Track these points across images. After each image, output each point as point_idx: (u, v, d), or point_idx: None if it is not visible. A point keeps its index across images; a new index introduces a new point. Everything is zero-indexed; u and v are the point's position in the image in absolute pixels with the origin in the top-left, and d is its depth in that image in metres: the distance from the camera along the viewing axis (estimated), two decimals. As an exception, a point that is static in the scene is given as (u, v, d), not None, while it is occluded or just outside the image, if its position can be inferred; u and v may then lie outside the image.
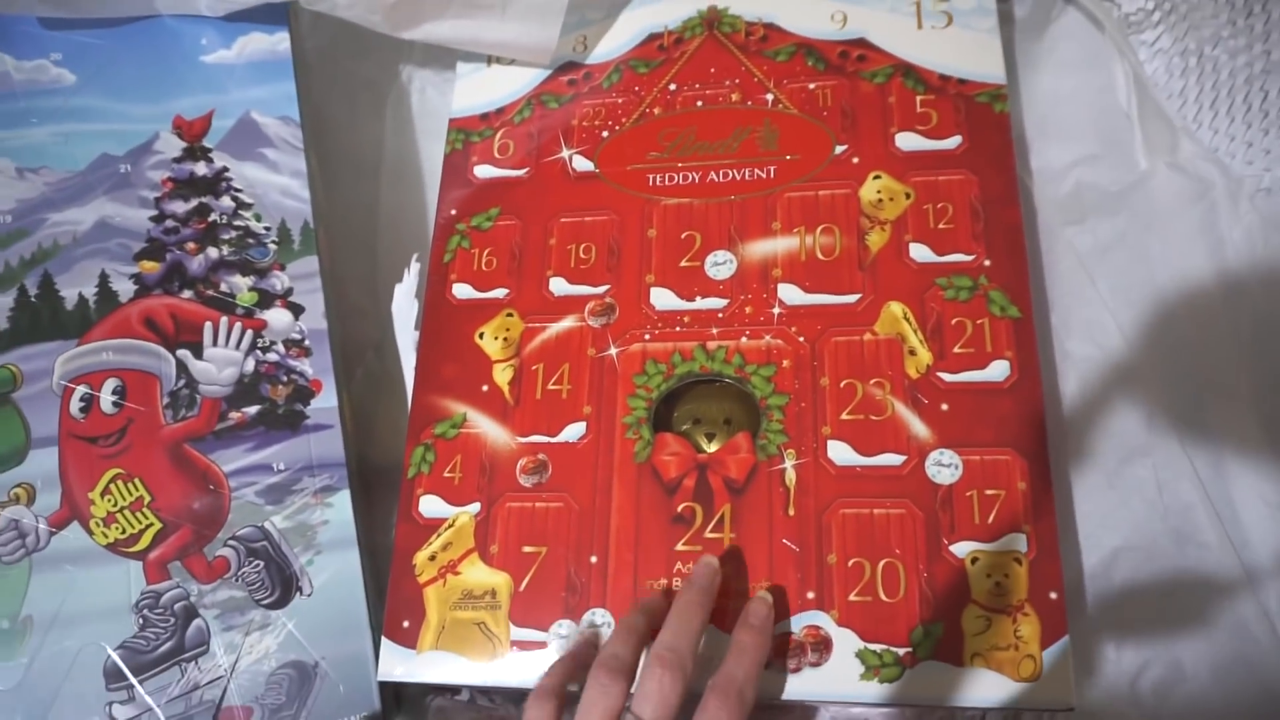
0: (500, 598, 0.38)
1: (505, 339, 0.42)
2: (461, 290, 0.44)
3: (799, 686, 0.35)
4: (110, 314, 0.42)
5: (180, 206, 0.43)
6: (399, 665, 0.38)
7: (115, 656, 0.38)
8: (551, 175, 0.45)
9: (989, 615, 0.35)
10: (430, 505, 0.40)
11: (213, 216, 0.43)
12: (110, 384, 0.41)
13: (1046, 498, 0.36)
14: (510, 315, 0.43)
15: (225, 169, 0.44)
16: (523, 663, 0.37)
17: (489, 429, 0.41)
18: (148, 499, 0.40)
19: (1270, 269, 0.39)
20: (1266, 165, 0.41)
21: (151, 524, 0.39)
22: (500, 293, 0.43)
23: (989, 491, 0.36)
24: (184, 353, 0.42)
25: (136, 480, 0.40)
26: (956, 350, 0.38)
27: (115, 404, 0.41)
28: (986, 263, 0.40)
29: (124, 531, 0.39)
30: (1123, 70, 0.44)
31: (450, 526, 0.40)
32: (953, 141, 0.42)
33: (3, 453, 0.40)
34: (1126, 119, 0.44)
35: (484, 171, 0.46)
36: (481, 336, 0.43)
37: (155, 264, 0.43)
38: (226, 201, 0.44)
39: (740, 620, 0.34)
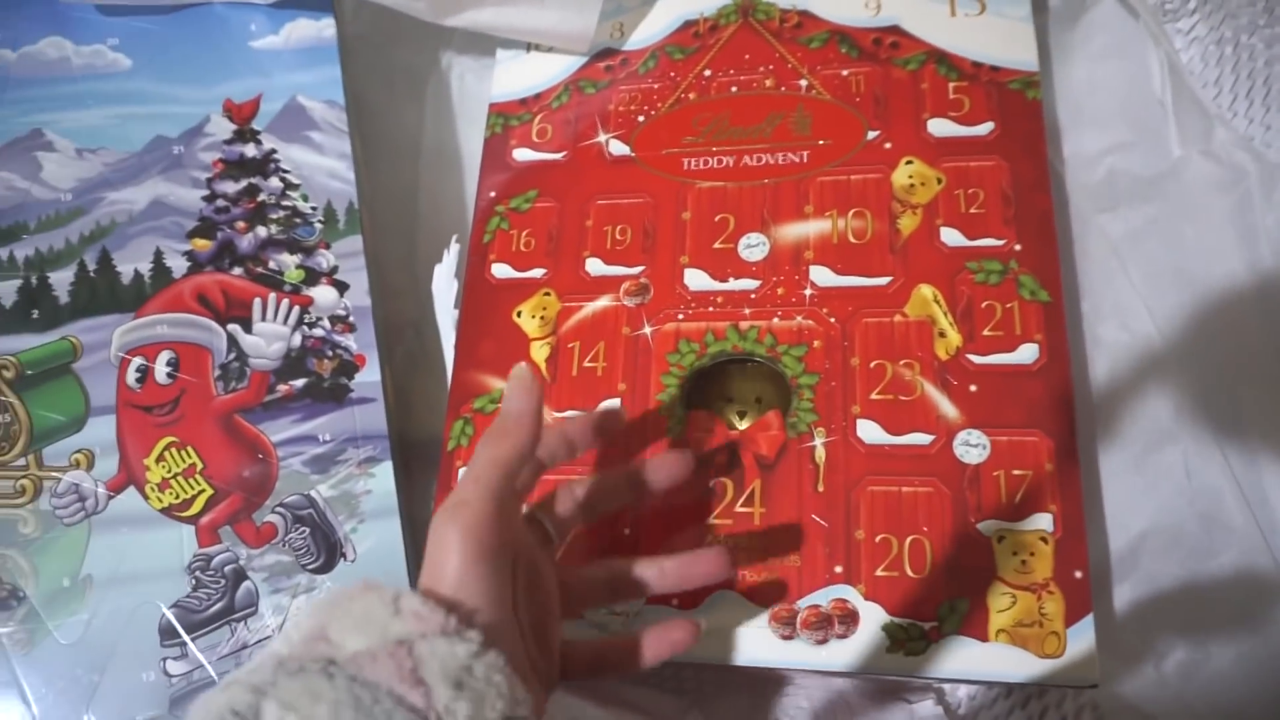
0: (536, 567, 0.39)
1: (543, 317, 0.43)
2: (500, 270, 0.45)
3: (826, 658, 0.36)
4: (164, 289, 0.44)
5: (230, 187, 0.45)
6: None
7: (169, 615, 0.39)
8: (588, 159, 0.46)
9: (1014, 593, 0.35)
10: (468, 478, 0.42)
11: (261, 196, 0.45)
12: (165, 356, 0.43)
13: (1073, 479, 0.36)
14: (548, 294, 0.44)
15: (273, 151, 0.46)
16: (557, 630, 0.38)
17: (526, 405, 0.42)
18: (200, 466, 0.41)
19: (1303, 256, 0.40)
20: (1302, 153, 0.41)
21: (204, 490, 0.41)
22: (538, 273, 0.44)
23: (1016, 472, 0.37)
24: (234, 327, 0.43)
25: (189, 448, 0.41)
26: (986, 333, 0.39)
27: (169, 375, 0.42)
28: (1017, 247, 0.40)
29: (177, 497, 0.41)
30: (1157, 58, 0.44)
31: (488, 498, 0.41)
32: (985, 128, 0.42)
33: (63, 420, 0.42)
34: (1160, 107, 0.44)
35: (523, 155, 0.47)
36: (519, 315, 0.44)
37: (207, 242, 0.44)
38: (275, 182, 0.45)
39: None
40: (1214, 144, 0.42)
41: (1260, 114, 0.43)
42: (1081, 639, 0.34)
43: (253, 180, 0.45)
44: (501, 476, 0.29)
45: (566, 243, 0.45)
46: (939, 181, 0.42)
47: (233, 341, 0.43)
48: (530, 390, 0.31)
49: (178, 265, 0.44)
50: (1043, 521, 0.36)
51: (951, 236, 0.41)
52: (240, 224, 0.45)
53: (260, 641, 0.39)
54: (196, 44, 0.47)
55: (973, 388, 0.38)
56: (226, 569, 0.40)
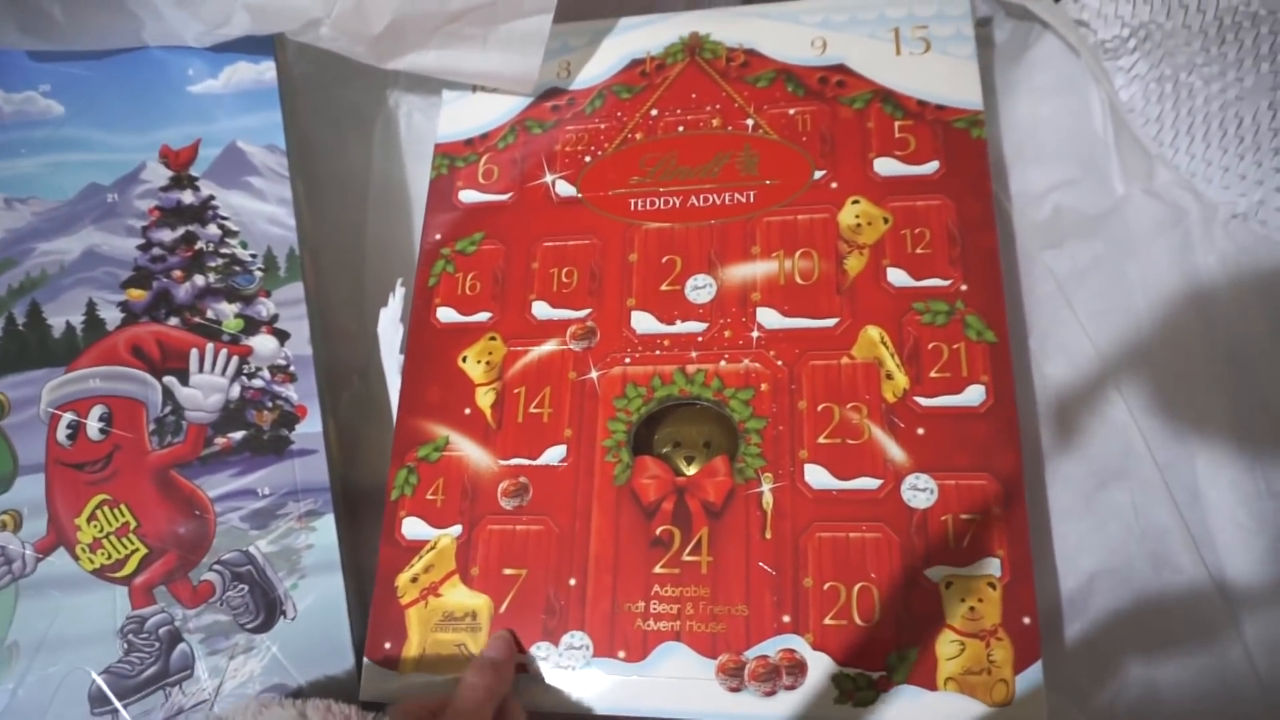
0: (480, 620, 0.39)
1: (488, 362, 0.43)
2: (445, 314, 0.44)
3: (774, 710, 0.35)
4: (97, 342, 0.42)
5: (167, 235, 0.44)
6: (381, 686, 0.39)
7: (100, 681, 0.38)
8: (535, 200, 0.46)
9: (963, 640, 0.35)
10: (413, 527, 0.41)
11: (199, 244, 0.44)
12: (97, 411, 0.41)
13: (1021, 522, 0.36)
14: (493, 339, 0.43)
15: (212, 197, 0.45)
16: (503, 686, 0.38)
17: (471, 452, 0.41)
18: (134, 524, 0.40)
19: (1244, 295, 0.40)
20: (1241, 191, 0.42)
21: (137, 549, 0.40)
22: (483, 316, 0.44)
23: (964, 516, 0.37)
24: (170, 379, 0.42)
25: (123, 506, 0.40)
26: (933, 375, 0.39)
27: (102, 431, 0.41)
28: (963, 287, 0.40)
29: (110, 557, 0.40)
30: (1099, 96, 0.44)
31: (432, 549, 0.40)
32: (930, 167, 0.42)
33: (-10, 479, 0.40)
34: (1104, 144, 0.44)
35: (468, 196, 0.47)
36: (465, 360, 0.43)
37: (142, 292, 0.43)
38: (213, 229, 0.44)
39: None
40: (1155, 183, 0.42)
41: (1201, 150, 0.43)
42: (1030, 686, 0.34)
43: (190, 228, 0.44)
44: None
45: (512, 286, 0.44)
46: (885, 221, 0.42)
47: (168, 394, 0.42)
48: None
49: (111, 316, 0.43)
50: (991, 566, 0.36)
51: (898, 277, 0.41)
52: (177, 273, 0.44)
53: (196, 706, 0.38)
54: (132, 89, 0.46)
55: (920, 430, 0.38)
56: (161, 631, 0.39)
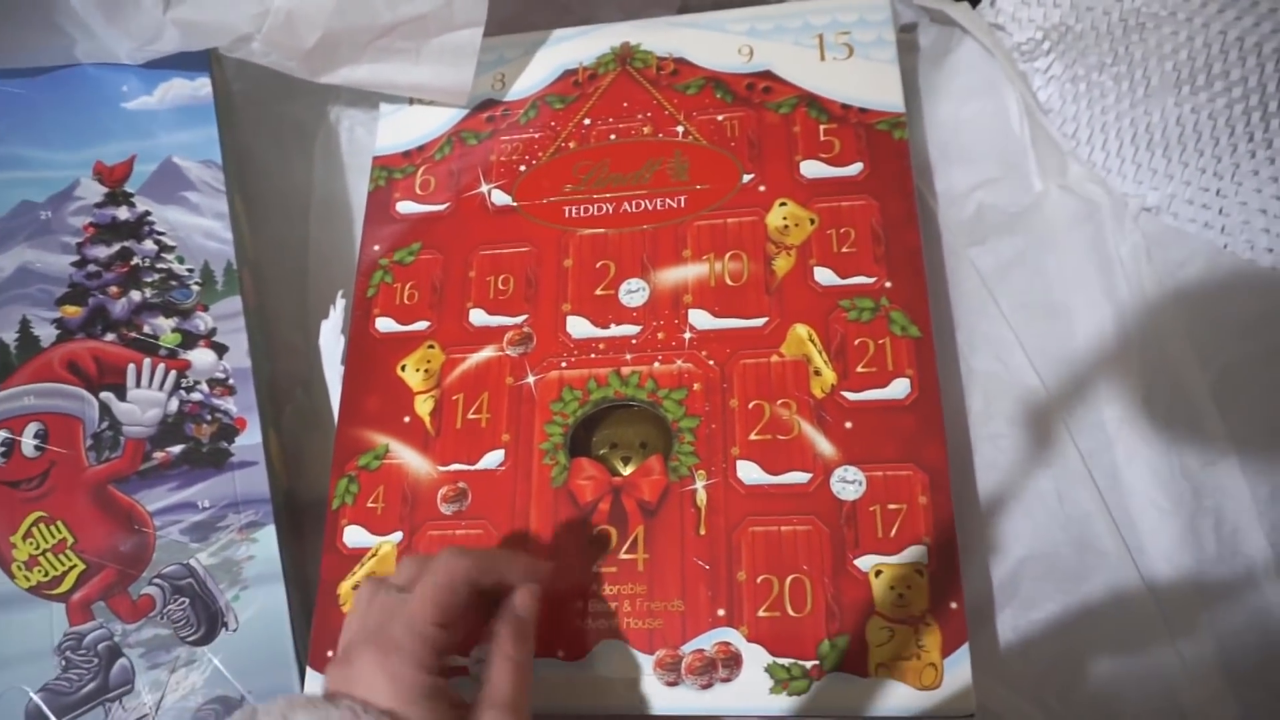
0: (422, 626, 0.39)
1: (427, 370, 0.43)
2: (384, 324, 0.45)
3: (711, 702, 0.36)
4: (32, 359, 0.42)
5: (102, 251, 0.44)
6: (324, 697, 0.39)
7: (37, 699, 0.38)
8: (471, 210, 0.46)
9: (892, 626, 0.36)
10: (354, 536, 0.41)
11: (135, 260, 0.44)
12: (32, 428, 0.41)
13: (946, 511, 0.37)
14: (431, 347, 0.44)
15: (148, 213, 0.45)
16: (444, 690, 0.38)
17: (411, 459, 0.42)
18: (71, 541, 0.40)
19: (1156, 284, 0.41)
20: (1153, 185, 0.43)
21: (75, 565, 0.40)
22: (422, 325, 0.44)
23: (891, 506, 0.37)
24: (107, 395, 0.42)
25: (59, 523, 0.40)
26: (859, 370, 0.40)
27: (37, 448, 0.41)
28: (888, 284, 0.41)
29: (46, 574, 0.40)
30: (1015, 97, 0.46)
31: (373, 556, 0.41)
32: (855, 168, 0.43)
33: (-76, 499, 0.40)
34: (1021, 143, 0.45)
35: (406, 207, 0.47)
36: (404, 369, 0.44)
37: (77, 308, 0.43)
38: (149, 245, 0.44)
39: (505, 631, 0.33)
40: (1069, 178, 0.44)
41: (1115, 147, 0.44)
42: (958, 669, 0.35)
43: (126, 244, 0.44)
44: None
45: (450, 294, 0.45)
46: (812, 222, 0.43)
47: (105, 410, 0.42)
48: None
49: (46, 334, 0.43)
50: (918, 554, 0.37)
51: (825, 276, 0.42)
52: (113, 289, 0.44)
53: (137, 720, 0.38)
54: (66, 106, 0.46)
55: (848, 424, 0.39)
56: (100, 646, 0.39)
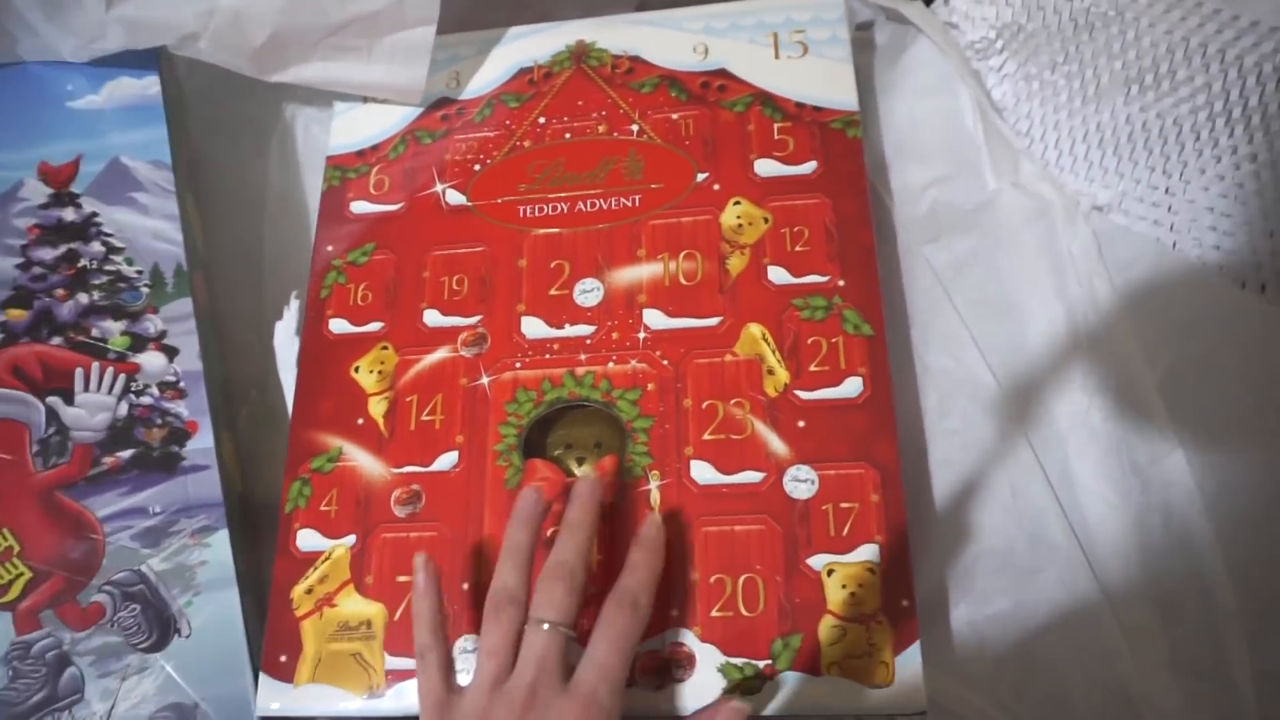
0: (375, 628, 0.39)
1: (380, 372, 0.43)
2: (338, 325, 0.44)
3: (665, 704, 0.36)
4: (-25, 364, 0.42)
5: (48, 253, 0.43)
6: (276, 699, 0.38)
7: (-17, 710, 0.38)
8: (425, 209, 0.46)
9: (844, 625, 0.36)
10: (307, 539, 0.41)
11: (82, 262, 0.44)
12: (-25, 434, 0.41)
13: (898, 509, 0.37)
14: (385, 348, 0.43)
15: (95, 214, 0.44)
16: (398, 692, 0.38)
17: (364, 461, 0.41)
18: (17, 549, 0.39)
19: (1106, 282, 0.42)
20: (1105, 184, 0.43)
21: (21, 574, 0.39)
22: (375, 326, 0.44)
23: (844, 505, 0.38)
24: (54, 400, 0.42)
25: (5, 531, 0.40)
26: (812, 368, 0.40)
27: (-19, 454, 0.41)
28: (841, 283, 0.41)
29: (-8, 583, 0.39)
30: (968, 95, 0.46)
31: (326, 559, 0.40)
32: (808, 167, 0.43)
33: None
34: (974, 141, 0.46)
35: (360, 207, 0.47)
36: (357, 370, 0.43)
37: (23, 311, 0.43)
38: (96, 246, 0.44)
39: (634, 541, 0.36)
40: (1022, 176, 0.44)
41: (1068, 145, 0.45)
42: (909, 667, 0.35)
43: (72, 245, 0.44)
44: None
45: (404, 295, 0.44)
46: (766, 221, 0.43)
47: (52, 415, 0.41)
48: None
49: (-11, 338, 0.42)
50: (869, 552, 0.37)
51: (778, 275, 0.42)
52: (59, 291, 0.43)
53: (85, 729, 0.38)
54: (9, 106, 0.45)
55: (801, 423, 0.39)
56: (48, 655, 0.38)
